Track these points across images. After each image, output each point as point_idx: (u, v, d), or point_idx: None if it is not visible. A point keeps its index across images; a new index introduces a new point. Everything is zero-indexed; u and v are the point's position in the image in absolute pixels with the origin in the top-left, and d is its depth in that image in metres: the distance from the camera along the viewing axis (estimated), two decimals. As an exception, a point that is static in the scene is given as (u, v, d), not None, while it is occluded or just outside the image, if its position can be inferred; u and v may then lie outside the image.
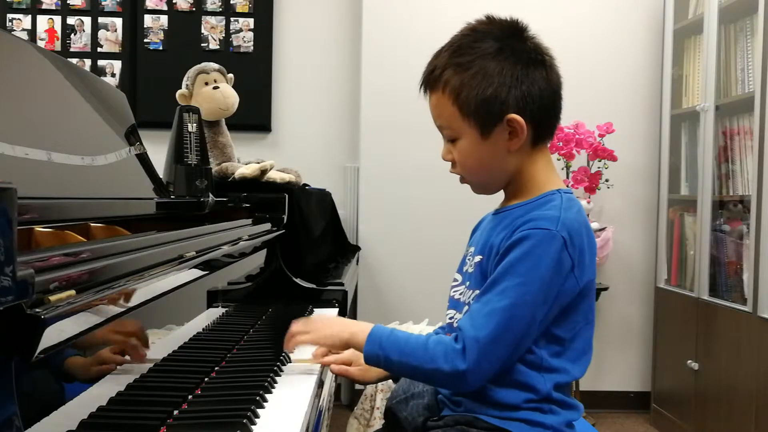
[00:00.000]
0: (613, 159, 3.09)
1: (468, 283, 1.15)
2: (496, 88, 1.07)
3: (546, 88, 1.10)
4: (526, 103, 1.08)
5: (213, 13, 3.44)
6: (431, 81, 1.12)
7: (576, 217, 1.08)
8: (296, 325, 1.18)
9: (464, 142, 1.11)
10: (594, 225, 3.10)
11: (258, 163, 1.94)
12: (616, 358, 3.36)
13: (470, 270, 1.16)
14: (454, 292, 1.20)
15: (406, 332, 1.12)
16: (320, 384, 1.13)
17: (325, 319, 1.19)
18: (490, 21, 1.13)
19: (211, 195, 1.50)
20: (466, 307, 1.13)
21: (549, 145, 1.18)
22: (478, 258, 1.13)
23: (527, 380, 1.06)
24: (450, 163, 1.16)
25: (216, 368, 1.10)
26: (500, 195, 1.20)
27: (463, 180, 1.17)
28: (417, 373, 1.09)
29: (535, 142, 1.12)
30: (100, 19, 3.43)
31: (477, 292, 1.10)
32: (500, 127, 1.08)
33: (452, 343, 1.05)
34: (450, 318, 1.19)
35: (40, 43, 3.36)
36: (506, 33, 1.11)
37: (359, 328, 1.12)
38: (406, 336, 1.10)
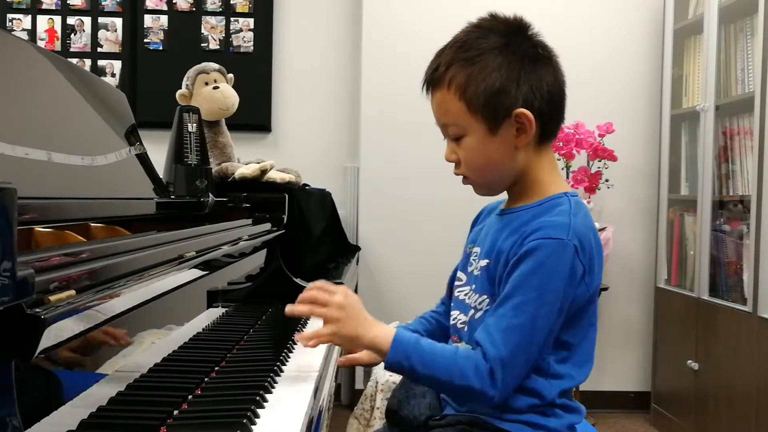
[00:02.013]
0: (613, 159, 3.09)
1: (474, 286, 1.13)
2: (504, 82, 1.06)
3: (553, 85, 1.09)
4: (533, 98, 1.07)
5: (213, 13, 3.44)
6: (435, 78, 1.10)
7: (584, 222, 1.07)
8: (317, 295, 1.08)
9: (471, 139, 1.09)
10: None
11: (258, 163, 1.94)
12: (616, 358, 3.36)
13: (476, 273, 1.13)
14: (459, 292, 1.18)
15: (430, 341, 1.08)
16: (320, 384, 1.12)
17: (346, 308, 1.08)
18: (494, 18, 1.12)
19: (211, 195, 1.50)
20: (472, 311, 1.12)
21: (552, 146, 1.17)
22: (484, 262, 1.11)
23: (533, 386, 1.05)
24: (453, 164, 1.13)
25: (216, 368, 1.10)
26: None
27: (466, 181, 1.14)
28: (443, 387, 1.07)
29: (541, 140, 1.11)
30: (100, 19, 3.43)
31: (484, 297, 1.09)
32: (508, 123, 1.07)
33: (482, 362, 1.02)
34: (453, 319, 1.18)
35: (40, 43, 3.36)
36: (511, 30, 1.10)
37: (380, 331, 1.06)
38: (432, 347, 1.06)
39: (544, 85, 1.08)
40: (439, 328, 1.28)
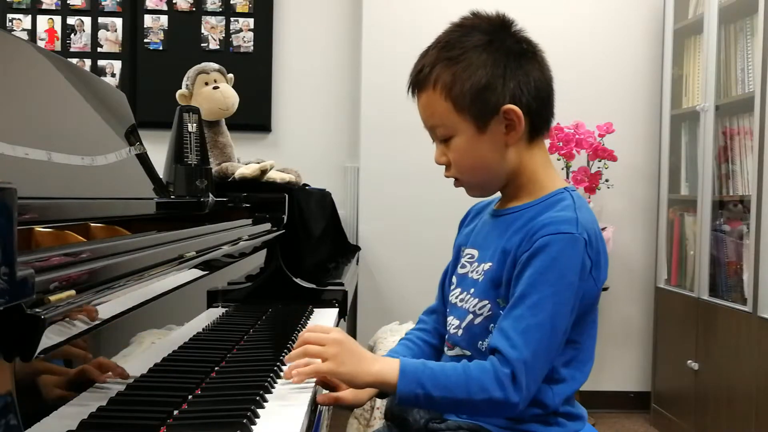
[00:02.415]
0: (613, 159, 3.09)
1: (472, 290, 1.10)
2: (490, 78, 1.04)
3: (540, 79, 1.08)
4: (521, 93, 1.05)
5: (213, 13, 3.44)
6: (420, 80, 1.09)
7: (589, 216, 1.05)
8: (309, 336, 1.02)
9: (459, 139, 1.07)
10: (594, 225, 3.10)
11: (258, 163, 1.94)
12: (616, 358, 3.36)
13: (475, 276, 1.11)
14: (452, 296, 1.16)
15: (436, 362, 1.04)
16: (320, 384, 1.12)
17: (344, 344, 1.02)
18: (477, 16, 1.11)
19: (211, 195, 1.50)
20: (470, 316, 1.09)
21: (547, 144, 1.16)
22: (487, 265, 1.09)
23: (536, 395, 1.02)
24: (444, 167, 1.11)
25: (216, 368, 1.09)
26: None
27: (458, 183, 1.12)
28: (463, 406, 1.01)
29: (531, 136, 1.09)
30: (100, 19, 3.43)
31: (485, 302, 1.07)
32: (496, 120, 1.05)
33: (499, 367, 0.98)
34: (448, 325, 1.15)
35: (40, 43, 3.36)
36: (494, 27, 1.09)
37: (383, 364, 1.01)
38: (441, 367, 1.02)
39: (531, 80, 1.06)
40: (427, 348, 1.22)
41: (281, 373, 1.11)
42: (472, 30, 1.08)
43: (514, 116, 1.05)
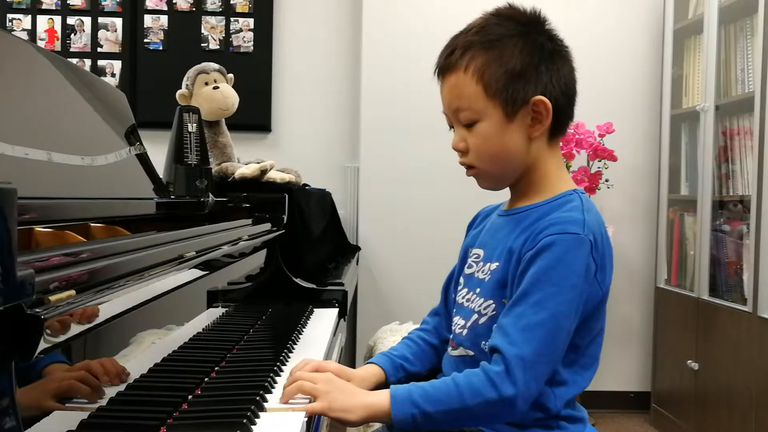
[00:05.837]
0: (613, 159, 3.09)
1: (478, 290, 1.10)
2: (525, 67, 1.04)
3: (569, 78, 1.09)
4: (552, 87, 1.05)
5: (213, 13, 3.44)
6: (451, 62, 1.07)
7: (597, 219, 1.05)
8: (302, 374, 1.01)
9: (485, 125, 1.06)
10: (594, 225, 3.10)
11: (258, 163, 1.94)
12: (616, 358, 3.36)
13: (481, 276, 1.10)
14: (459, 296, 1.15)
15: (427, 381, 1.02)
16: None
17: (335, 382, 1.02)
18: (512, 7, 1.11)
19: (211, 195, 1.50)
20: (475, 315, 1.09)
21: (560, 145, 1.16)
22: (494, 265, 1.08)
23: (538, 398, 1.01)
24: (459, 153, 1.10)
25: (216, 368, 1.09)
26: (499, 193, 1.17)
27: (471, 171, 1.11)
28: (463, 416, 0.99)
29: (553, 134, 1.09)
30: (100, 19, 3.43)
31: (490, 302, 1.07)
32: (525, 110, 1.05)
33: (490, 368, 0.98)
34: (454, 325, 1.15)
35: (40, 43, 3.36)
36: (529, 20, 1.10)
37: (375, 396, 1.01)
38: (431, 383, 1.01)
39: (561, 77, 1.07)
40: (428, 347, 1.22)
41: (281, 373, 1.11)
42: (508, 19, 1.09)
43: (543, 108, 1.05)
